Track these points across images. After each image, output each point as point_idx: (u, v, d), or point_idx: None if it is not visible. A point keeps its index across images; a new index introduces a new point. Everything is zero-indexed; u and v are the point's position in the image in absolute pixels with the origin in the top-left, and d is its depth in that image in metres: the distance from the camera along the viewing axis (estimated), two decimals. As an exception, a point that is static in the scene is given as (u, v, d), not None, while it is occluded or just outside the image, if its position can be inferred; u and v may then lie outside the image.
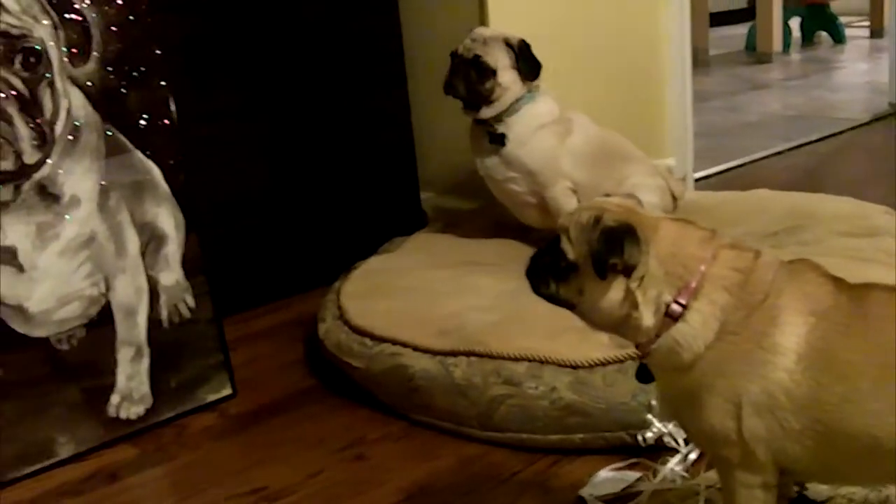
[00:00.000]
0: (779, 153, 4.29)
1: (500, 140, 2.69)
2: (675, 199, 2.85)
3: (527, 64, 2.67)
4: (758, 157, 4.23)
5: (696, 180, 3.81)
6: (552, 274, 1.52)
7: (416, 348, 2.22)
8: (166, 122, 2.28)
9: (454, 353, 2.17)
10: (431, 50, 3.26)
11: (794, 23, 7.35)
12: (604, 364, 2.04)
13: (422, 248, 2.84)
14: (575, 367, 2.05)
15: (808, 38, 7.41)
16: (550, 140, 2.70)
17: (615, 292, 1.46)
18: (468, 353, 2.15)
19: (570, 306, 1.53)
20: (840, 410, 1.38)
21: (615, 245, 1.43)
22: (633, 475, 1.91)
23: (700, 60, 6.05)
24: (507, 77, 2.66)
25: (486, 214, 3.03)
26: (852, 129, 4.61)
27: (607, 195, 1.59)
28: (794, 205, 2.85)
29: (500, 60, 2.66)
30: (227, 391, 2.40)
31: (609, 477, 1.91)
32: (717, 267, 1.45)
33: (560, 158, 2.69)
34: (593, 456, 2.00)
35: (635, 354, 1.84)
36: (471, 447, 2.11)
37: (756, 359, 1.41)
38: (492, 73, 2.65)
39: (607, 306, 1.47)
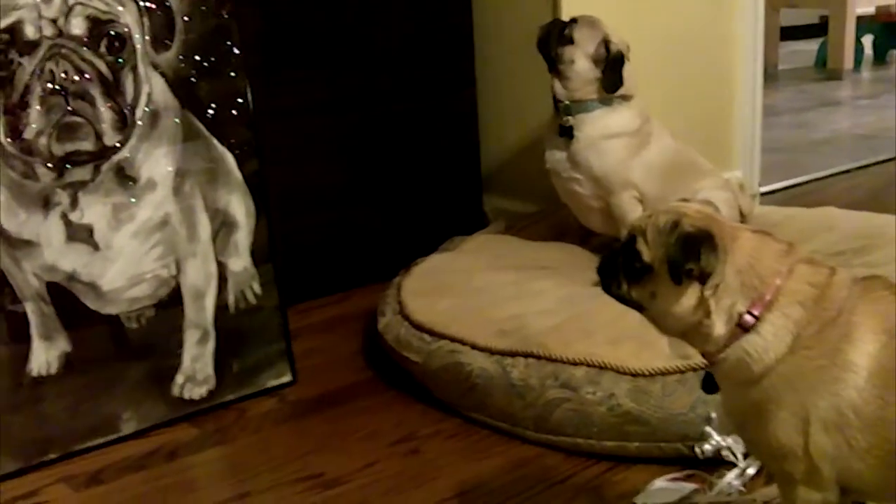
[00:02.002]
0: (846, 172, 4.25)
1: (568, 133, 2.68)
2: (742, 214, 2.84)
3: (608, 74, 2.65)
4: (825, 175, 4.19)
5: (762, 195, 3.78)
6: (625, 274, 1.51)
7: (474, 346, 2.23)
8: (241, 111, 2.32)
9: (513, 354, 2.18)
10: (501, 53, 3.28)
11: (867, 40, 7.26)
12: (664, 374, 2.04)
13: (482, 248, 2.85)
14: (634, 374, 2.05)
15: (880, 57, 7.31)
16: (620, 151, 2.68)
17: (688, 298, 1.46)
18: (527, 355, 2.16)
19: (640, 308, 1.53)
20: None
21: (692, 251, 1.43)
22: (689, 486, 1.90)
23: (769, 75, 5.99)
24: (582, 65, 2.65)
25: (547, 218, 3.04)
26: (921, 149, 4.55)
27: (685, 200, 1.59)
28: (863, 224, 2.82)
29: (584, 46, 2.65)
30: (288, 378, 2.44)
31: (664, 487, 1.91)
32: (793, 281, 1.44)
33: (630, 170, 2.68)
34: (649, 465, 1.99)
35: (702, 364, 1.86)
36: (525, 448, 2.12)
37: (827, 375, 1.40)
38: (569, 41, 2.65)
39: (679, 312, 1.47)
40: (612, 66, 2.64)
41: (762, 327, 1.43)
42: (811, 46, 7.32)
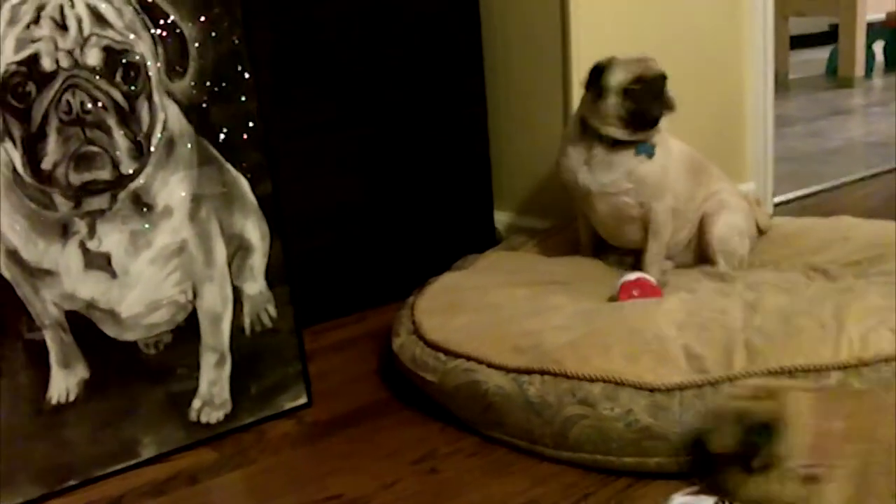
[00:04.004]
0: (860, 180, 4.24)
1: (652, 151, 2.68)
2: (760, 230, 2.85)
3: None
4: (839, 184, 4.18)
5: (776, 205, 3.78)
6: (704, 468, 1.59)
7: (490, 365, 2.23)
8: (253, 134, 2.34)
9: (529, 371, 2.18)
10: (510, 68, 3.30)
11: (878, 47, 7.25)
12: (682, 388, 2.04)
13: (495, 266, 2.86)
14: (652, 390, 2.05)
15: (891, 63, 7.29)
16: (665, 152, 2.72)
17: (759, 483, 1.51)
18: (543, 372, 2.16)
19: (727, 493, 1.58)
20: None
21: (756, 443, 1.50)
22: (709, 500, 1.90)
23: (780, 84, 6.00)
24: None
25: (559, 234, 3.05)
26: (935, 156, 4.54)
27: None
28: (879, 233, 2.81)
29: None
30: (304, 400, 2.45)
31: (684, 501, 1.90)
32: (852, 420, 1.50)
33: (669, 171, 2.71)
34: (668, 480, 1.99)
35: (717, 378, 1.87)
36: (544, 466, 2.12)
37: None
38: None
39: (756, 496, 1.52)
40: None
41: (832, 474, 1.48)
42: (822, 55, 7.31)
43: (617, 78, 2.63)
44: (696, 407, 2.01)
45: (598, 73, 2.66)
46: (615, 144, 2.67)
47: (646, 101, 2.62)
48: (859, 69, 6.69)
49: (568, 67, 3.06)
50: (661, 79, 2.64)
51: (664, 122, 2.69)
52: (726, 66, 3.52)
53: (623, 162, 2.68)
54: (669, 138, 2.76)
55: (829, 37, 7.53)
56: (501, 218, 3.41)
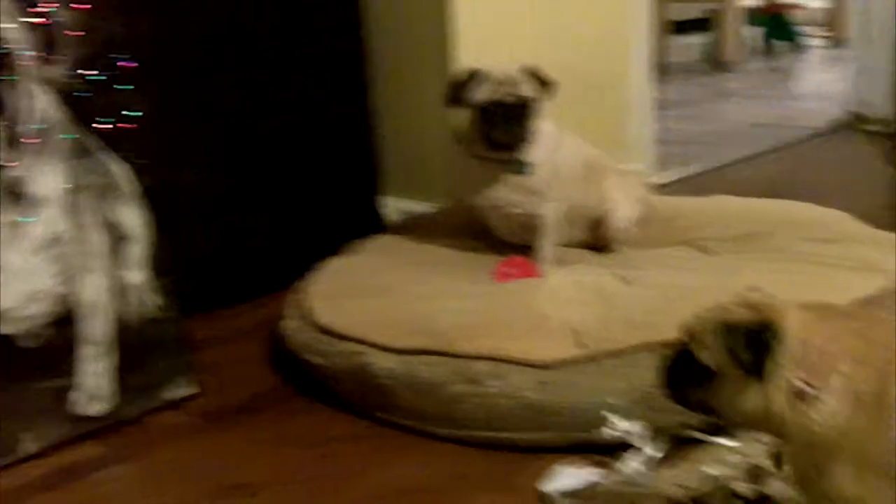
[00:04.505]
0: (740, 161, 4.36)
1: (525, 170, 2.63)
2: (646, 208, 2.90)
3: (546, 86, 2.63)
4: (720, 165, 4.29)
5: (658, 186, 3.86)
6: (690, 383, 1.54)
7: (379, 347, 2.24)
8: (133, 124, 2.29)
9: (418, 352, 2.19)
10: (396, 55, 3.30)
11: (755, 32, 7.45)
12: (566, 364, 2.08)
13: (384, 250, 2.86)
14: (538, 366, 2.08)
15: (767, 48, 7.50)
16: (552, 160, 2.69)
17: (754, 393, 1.48)
18: (432, 353, 2.18)
19: (710, 411, 1.55)
20: None
21: (757, 346, 1.46)
22: (596, 472, 1.94)
23: (661, 69, 6.12)
24: (539, 106, 2.62)
25: (447, 217, 3.06)
26: (813, 137, 4.69)
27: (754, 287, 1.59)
28: (758, 211, 2.90)
29: (536, 92, 2.61)
30: (193, 390, 2.42)
31: (570, 473, 1.94)
32: (841, 340, 1.48)
33: (556, 176, 2.70)
34: (555, 453, 2.02)
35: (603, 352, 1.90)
36: (434, 445, 2.14)
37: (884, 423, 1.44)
38: (533, 109, 2.60)
39: (750, 406, 1.49)
40: (541, 79, 2.62)
41: (824, 394, 1.45)
42: (701, 40, 7.48)
43: (475, 95, 2.59)
44: (581, 381, 2.05)
45: (457, 87, 2.62)
46: (487, 160, 2.65)
47: (498, 126, 2.57)
48: (737, 54, 6.86)
49: (452, 50, 3.07)
50: (521, 106, 2.57)
51: (551, 129, 2.69)
52: (608, 51, 3.59)
53: (503, 178, 2.66)
54: (566, 141, 2.75)
55: (708, 22, 7.70)
56: (389, 202, 3.42)
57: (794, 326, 1.48)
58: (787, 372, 1.46)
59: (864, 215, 2.85)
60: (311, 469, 2.09)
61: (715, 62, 6.97)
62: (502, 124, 2.57)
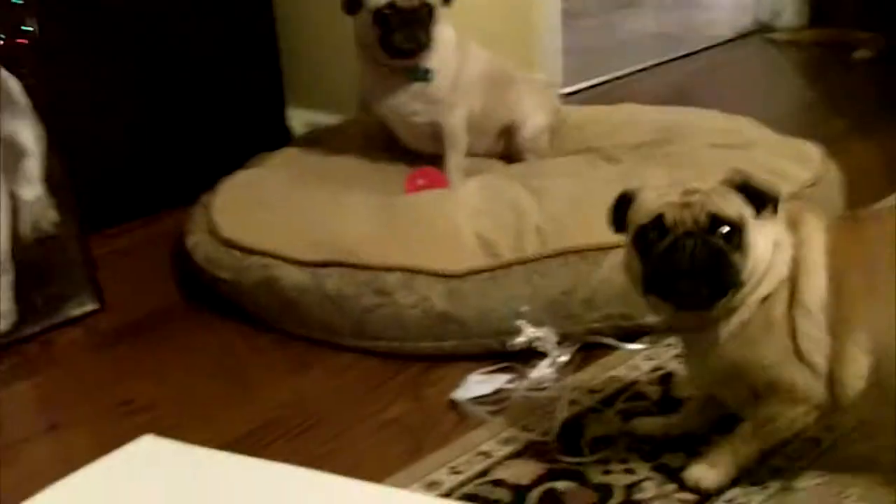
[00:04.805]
0: (646, 70, 4.36)
1: (427, 77, 2.58)
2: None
3: None
4: (626, 74, 4.28)
5: (566, 95, 3.84)
6: (731, 250, 1.47)
7: (287, 260, 2.21)
8: (26, 38, 2.20)
9: (326, 265, 2.16)
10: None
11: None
12: (476, 273, 2.07)
13: (290, 162, 2.79)
14: (447, 276, 2.07)
15: (676, -42, 7.49)
16: (455, 68, 2.64)
17: (767, 232, 1.51)
18: (340, 264, 2.15)
19: (737, 282, 1.49)
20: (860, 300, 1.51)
21: (761, 189, 1.50)
22: (504, 378, 1.95)
23: (571, -22, 6.07)
24: (439, 12, 2.56)
25: (353, 128, 3.00)
26: (719, 45, 4.70)
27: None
28: (664, 118, 2.90)
29: None
30: (94, 306, 2.35)
31: (480, 380, 1.95)
32: None
33: (460, 86, 2.65)
34: (465, 362, 2.03)
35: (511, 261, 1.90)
36: (343, 357, 2.12)
37: (807, 264, 1.53)
38: (433, 13, 2.53)
39: (768, 250, 1.51)
40: None
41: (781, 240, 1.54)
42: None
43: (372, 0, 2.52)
44: (491, 290, 2.05)
45: None
46: (389, 68, 2.59)
47: (394, 31, 2.50)
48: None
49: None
50: (420, 8, 2.50)
51: (453, 36, 2.62)
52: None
53: (405, 85, 2.61)
54: (471, 50, 2.69)
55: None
56: (295, 114, 3.34)
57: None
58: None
59: (770, 122, 2.88)
60: (214, 383, 2.06)
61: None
62: (401, 29, 2.51)
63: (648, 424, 1.78)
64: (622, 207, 1.56)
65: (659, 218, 1.48)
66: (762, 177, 1.56)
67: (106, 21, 2.79)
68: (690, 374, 1.71)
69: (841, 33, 4.49)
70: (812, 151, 2.58)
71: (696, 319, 1.54)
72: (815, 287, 1.51)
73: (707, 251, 1.45)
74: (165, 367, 2.13)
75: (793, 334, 1.51)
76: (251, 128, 3.14)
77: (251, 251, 2.27)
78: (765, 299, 1.51)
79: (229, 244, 2.31)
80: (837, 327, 1.51)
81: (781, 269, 1.52)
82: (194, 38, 2.99)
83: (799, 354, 1.51)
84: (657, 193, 1.52)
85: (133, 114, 2.91)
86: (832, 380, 1.53)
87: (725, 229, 1.46)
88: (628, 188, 1.57)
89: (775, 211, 1.51)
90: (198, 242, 2.40)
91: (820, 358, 1.51)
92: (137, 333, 2.28)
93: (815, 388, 1.53)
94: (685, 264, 1.46)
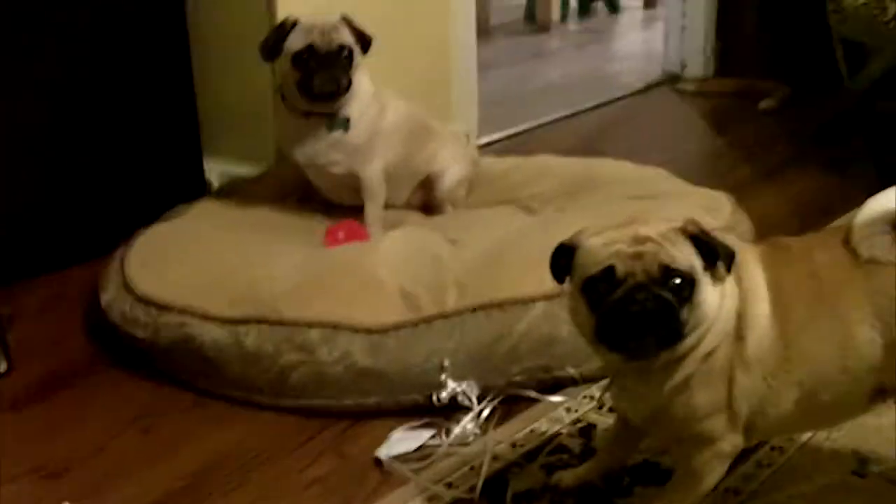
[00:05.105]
0: (560, 119, 4.42)
1: (345, 125, 2.59)
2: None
3: (362, 39, 2.58)
4: (540, 124, 4.34)
5: (482, 146, 3.88)
6: (680, 303, 1.46)
7: (205, 317, 2.17)
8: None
9: (245, 322, 2.13)
10: (216, 14, 3.19)
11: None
12: (398, 328, 2.06)
13: (207, 215, 2.76)
14: (369, 331, 2.06)
15: (584, 8, 7.64)
16: (373, 118, 2.65)
17: (713, 290, 1.50)
18: (260, 321, 2.12)
19: (683, 334, 1.48)
20: (798, 340, 1.52)
21: (711, 243, 1.49)
22: (428, 433, 1.94)
23: (482, 29, 6.14)
24: (358, 59, 2.58)
25: (272, 179, 2.99)
26: (629, 96, 4.80)
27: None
28: (579, 169, 2.95)
29: (353, 42, 2.55)
30: (2, 367, 2.28)
31: (404, 437, 1.94)
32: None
33: (378, 136, 2.66)
34: (388, 418, 2.02)
35: (433, 315, 1.90)
36: (263, 415, 2.09)
37: (748, 313, 1.53)
38: (353, 58, 2.55)
39: (714, 307, 1.50)
40: (358, 31, 2.59)
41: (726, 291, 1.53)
42: (520, 1, 7.55)
43: (290, 43, 2.53)
44: (413, 344, 2.04)
45: (274, 37, 2.56)
46: (308, 115, 2.60)
47: (314, 74, 2.51)
48: (555, 14, 6.96)
49: (274, 8, 2.99)
50: (339, 51, 2.53)
51: (371, 86, 2.65)
52: (431, 11, 3.56)
53: (324, 134, 2.61)
54: (390, 101, 2.71)
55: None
56: (212, 166, 3.30)
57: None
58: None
59: (679, 172, 2.94)
60: (129, 445, 2.01)
61: (534, 22, 7.05)
62: (320, 72, 2.52)
63: (570, 476, 1.78)
64: (564, 257, 1.53)
65: (609, 269, 1.45)
66: (717, 232, 1.57)
67: (16, 68, 2.74)
68: (620, 409, 1.71)
69: (746, 83, 4.63)
70: (722, 200, 2.64)
71: (639, 367, 1.53)
72: (758, 339, 1.52)
73: (657, 304, 1.44)
74: (80, 429, 2.06)
75: (730, 386, 1.52)
76: (167, 178, 3.09)
77: (168, 308, 2.22)
78: (709, 354, 1.51)
79: (145, 300, 2.27)
80: (778, 370, 1.53)
81: (727, 323, 1.52)
82: (109, 87, 2.94)
83: (729, 403, 1.53)
84: (604, 241, 1.49)
85: (45, 164, 2.84)
86: (748, 425, 1.56)
87: (677, 281, 1.45)
88: (569, 238, 1.54)
89: (728, 269, 1.50)
90: (113, 299, 2.35)
91: (746, 407, 1.53)
92: (49, 394, 2.21)
93: (735, 437, 1.56)
94: (636, 317, 1.44)
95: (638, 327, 1.45)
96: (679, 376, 1.51)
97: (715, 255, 1.48)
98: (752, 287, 1.53)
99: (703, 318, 1.48)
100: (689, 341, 1.48)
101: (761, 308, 1.52)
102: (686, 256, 1.46)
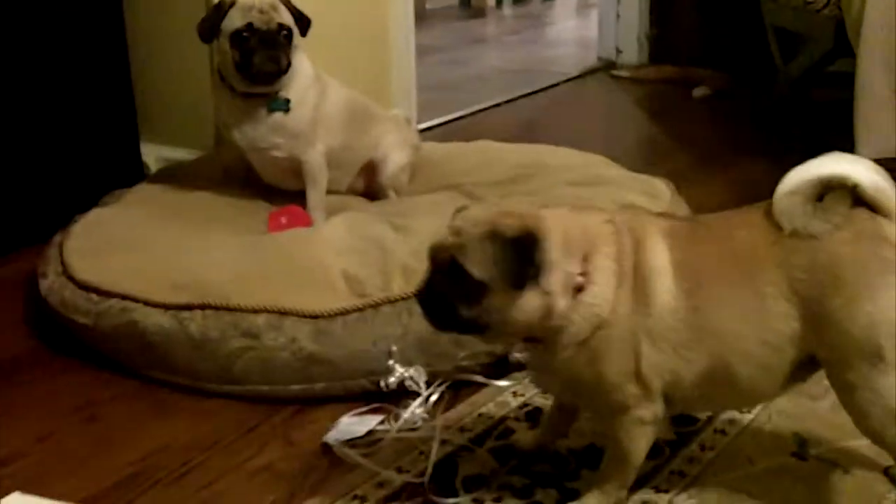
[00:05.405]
0: (497, 105, 4.45)
1: (286, 106, 2.58)
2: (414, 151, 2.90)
3: (301, 21, 2.58)
4: (478, 110, 4.36)
5: (420, 131, 3.88)
6: (459, 300, 1.50)
7: (148, 303, 2.15)
8: None
9: (189, 307, 2.11)
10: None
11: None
12: (344, 313, 2.06)
13: (146, 200, 2.73)
14: (315, 316, 2.06)
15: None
16: (314, 102, 2.64)
17: (530, 298, 1.49)
18: (204, 307, 2.10)
19: (483, 328, 1.53)
20: (709, 316, 1.53)
21: (525, 255, 1.46)
22: (376, 419, 1.95)
23: (418, 15, 6.13)
24: (297, 40, 2.57)
25: (210, 164, 2.96)
26: (565, 82, 4.84)
27: (463, 208, 1.60)
28: (519, 155, 2.97)
29: (293, 23, 2.55)
30: (-61, 356, 2.24)
31: (352, 422, 1.94)
32: (593, 227, 1.56)
33: (319, 120, 2.65)
34: (336, 404, 2.02)
35: (379, 300, 1.92)
36: (209, 402, 2.07)
37: (646, 289, 1.53)
38: (291, 38, 2.54)
39: (524, 315, 1.50)
40: (297, 13, 2.59)
41: (594, 277, 1.52)
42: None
43: (228, 23, 2.51)
44: (360, 330, 2.04)
45: (212, 17, 2.55)
46: (248, 97, 2.58)
47: (253, 53, 2.50)
48: (490, 0, 6.99)
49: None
50: (278, 31, 2.51)
51: (311, 68, 2.64)
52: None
53: (264, 116, 2.60)
54: (330, 85, 2.70)
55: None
56: (149, 150, 3.26)
57: (553, 225, 1.53)
58: (562, 269, 1.51)
59: (617, 158, 2.98)
60: (71, 435, 1.98)
61: (469, 7, 7.06)
62: (259, 51, 2.50)
63: (528, 438, 1.85)
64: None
65: None
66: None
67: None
68: (537, 385, 1.77)
69: (681, 71, 4.70)
70: (661, 187, 2.68)
71: (534, 348, 1.60)
72: (660, 313, 1.53)
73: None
74: (21, 418, 2.03)
75: (637, 358, 1.54)
76: (104, 163, 3.05)
77: (109, 294, 2.20)
78: (586, 339, 1.54)
79: (86, 286, 2.24)
80: (690, 342, 1.55)
81: (598, 308, 1.53)
82: (45, 71, 2.90)
83: (638, 373, 1.55)
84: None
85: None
86: (667, 394, 1.59)
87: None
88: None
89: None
90: (52, 286, 2.31)
91: (656, 377, 1.55)
92: (-12, 383, 2.18)
93: (651, 406, 1.58)
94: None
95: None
96: (563, 356, 1.55)
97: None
98: (652, 264, 1.55)
99: (514, 320, 1.50)
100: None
101: (662, 283, 1.53)
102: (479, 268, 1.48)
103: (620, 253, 1.55)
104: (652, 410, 1.58)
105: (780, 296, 1.52)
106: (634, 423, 1.59)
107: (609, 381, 1.55)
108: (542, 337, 1.56)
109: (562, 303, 1.51)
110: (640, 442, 1.61)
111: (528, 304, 1.49)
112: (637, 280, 1.54)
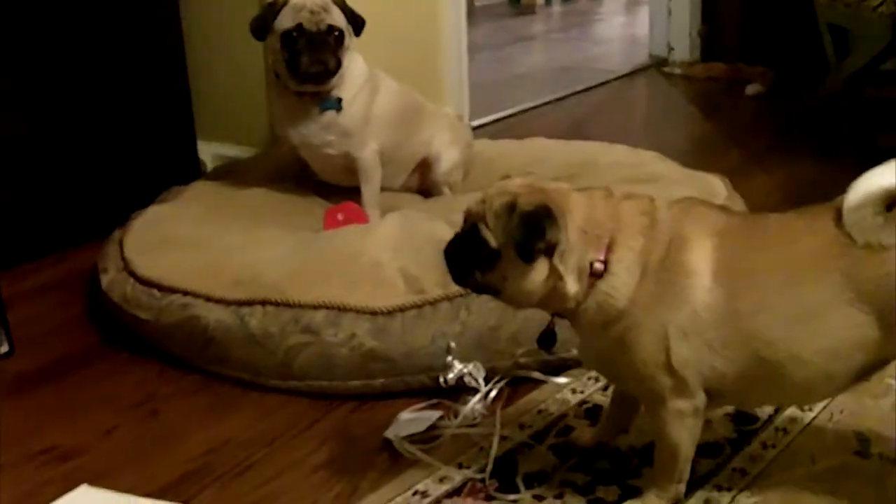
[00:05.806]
0: (547, 103, 4.44)
1: (338, 105, 2.60)
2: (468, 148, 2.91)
3: (354, 21, 2.59)
4: (528, 108, 4.36)
5: (472, 129, 3.89)
6: (475, 264, 1.56)
7: (209, 299, 2.17)
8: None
9: (249, 303, 2.13)
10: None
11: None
12: (402, 310, 2.07)
13: (202, 197, 2.76)
14: (374, 313, 2.07)
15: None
16: (367, 100, 2.65)
17: (539, 272, 1.52)
18: (264, 302, 2.12)
19: (496, 292, 1.59)
20: (755, 320, 1.51)
21: (536, 229, 1.49)
22: (436, 414, 1.95)
23: (468, 13, 6.13)
24: (349, 40, 2.58)
25: (265, 162, 2.99)
26: (615, 79, 4.82)
27: (507, 177, 1.63)
28: (573, 153, 2.96)
29: (345, 24, 2.56)
30: (4, 348, 2.28)
31: (412, 418, 1.95)
32: (625, 217, 1.55)
33: (372, 118, 2.66)
34: (395, 399, 2.03)
35: (438, 297, 1.92)
36: (270, 398, 2.09)
37: (676, 287, 1.52)
38: (343, 39, 2.55)
39: (534, 286, 1.53)
40: (351, 13, 2.60)
41: (613, 267, 1.52)
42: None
43: (280, 23, 2.53)
44: (418, 326, 2.05)
45: (264, 16, 2.57)
46: (301, 96, 2.60)
47: (301, 54, 2.51)
48: (541, -3, 6.98)
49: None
50: (328, 32, 2.52)
51: (365, 68, 2.65)
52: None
53: (316, 114, 2.61)
54: (384, 83, 2.71)
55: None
56: (206, 148, 3.30)
57: (577, 207, 1.54)
58: (577, 251, 1.52)
59: (669, 155, 2.97)
60: (134, 429, 2.01)
61: (518, 5, 7.05)
62: (307, 52, 2.52)
63: (587, 435, 1.85)
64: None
65: None
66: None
67: (14, 54, 2.73)
68: (584, 362, 1.77)
69: (733, 68, 4.66)
70: (717, 184, 2.66)
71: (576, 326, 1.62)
72: (692, 312, 1.52)
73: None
74: (86, 412, 2.06)
75: (666, 352, 1.53)
76: (161, 161, 3.09)
77: (170, 290, 2.22)
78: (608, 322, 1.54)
79: (147, 282, 2.27)
80: (730, 342, 1.53)
81: (607, 304, 1.53)
82: (105, 71, 2.94)
83: (670, 368, 1.54)
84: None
85: (41, 148, 2.84)
86: (711, 389, 1.57)
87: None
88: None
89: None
90: (113, 281, 2.35)
91: (691, 372, 1.54)
92: (52, 376, 2.21)
93: (690, 400, 1.56)
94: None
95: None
96: (587, 336, 1.59)
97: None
98: (687, 261, 1.53)
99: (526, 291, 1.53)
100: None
101: (697, 281, 1.52)
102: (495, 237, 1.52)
103: (648, 246, 1.54)
104: (692, 403, 1.57)
105: (848, 305, 1.50)
106: (674, 415, 1.58)
107: (639, 370, 1.56)
108: (563, 313, 1.59)
109: (573, 284, 1.53)
110: (682, 434, 1.59)
111: (537, 277, 1.52)
112: (665, 275, 1.53)
